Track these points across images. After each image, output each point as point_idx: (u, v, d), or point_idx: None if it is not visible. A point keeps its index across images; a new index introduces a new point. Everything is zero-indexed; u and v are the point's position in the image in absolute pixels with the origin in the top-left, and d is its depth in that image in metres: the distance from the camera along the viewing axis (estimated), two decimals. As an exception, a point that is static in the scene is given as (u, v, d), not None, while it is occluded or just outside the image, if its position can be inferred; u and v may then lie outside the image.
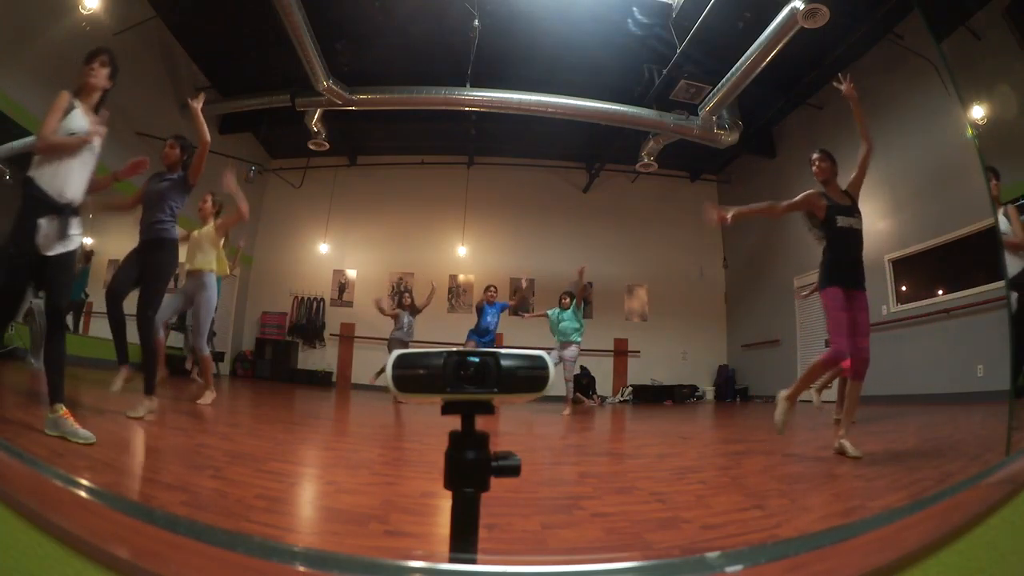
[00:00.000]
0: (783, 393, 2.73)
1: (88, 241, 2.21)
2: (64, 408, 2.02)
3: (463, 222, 8.49)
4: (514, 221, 8.69)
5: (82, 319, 5.44)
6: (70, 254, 2.14)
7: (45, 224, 2.06)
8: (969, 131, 3.69)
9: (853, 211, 2.80)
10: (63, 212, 2.10)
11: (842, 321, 2.63)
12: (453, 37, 5.74)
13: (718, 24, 5.29)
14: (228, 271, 3.92)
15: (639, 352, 8.63)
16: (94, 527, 0.68)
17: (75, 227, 2.14)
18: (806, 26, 4.67)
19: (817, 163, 2.90)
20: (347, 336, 8.33)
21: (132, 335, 2.80)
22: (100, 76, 2.27)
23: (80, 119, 2.18)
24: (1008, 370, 2.22)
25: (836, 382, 3.23)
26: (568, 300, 5.47)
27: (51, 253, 2.08)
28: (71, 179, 2.14)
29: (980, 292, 4.32)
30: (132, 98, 5.77)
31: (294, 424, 3.62)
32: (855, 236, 2.75)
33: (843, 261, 2.74)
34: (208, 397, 3.58)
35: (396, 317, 5.82)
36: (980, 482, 0.93)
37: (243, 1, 5.43)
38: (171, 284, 3.24)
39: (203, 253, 3.60)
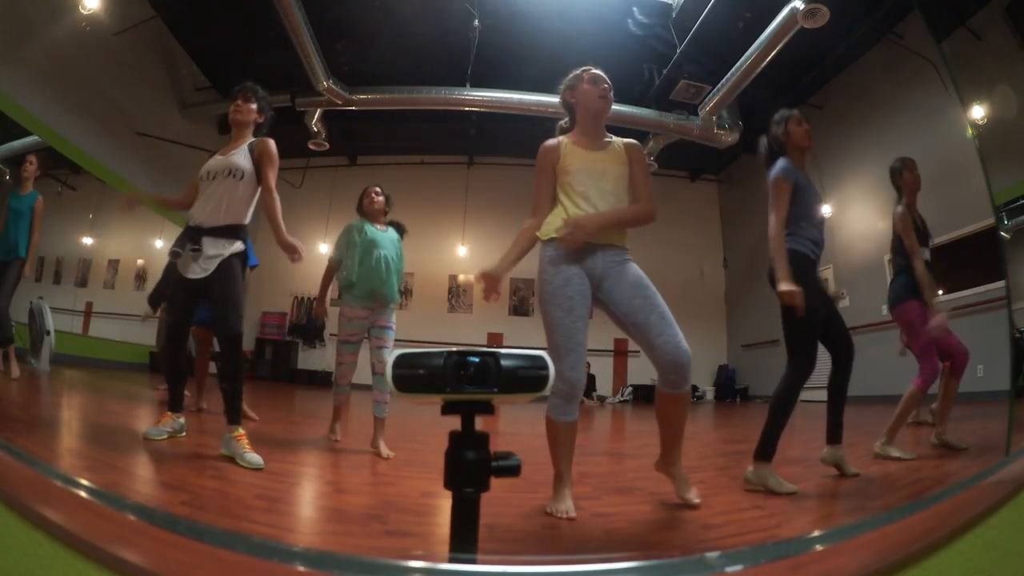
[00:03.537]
0: (879, 443, 2.54)
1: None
2: (241, 430, 2.10)
3: (463, 222, 8.48)
4: (514, 221, 8.55)
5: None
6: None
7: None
8: (969, 131, 3.68)
9: (926, 240, 2.64)
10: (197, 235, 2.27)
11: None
12: (453, 37, 5.73)
13: (718, 24, 5.29)
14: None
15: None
16: (94, 527, 0.68)
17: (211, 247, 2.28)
18: (806, 26, 4.66)
19: (913, 171, 2.64)
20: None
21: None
22: (245, 111, 2.40)
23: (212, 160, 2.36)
24: (1008, 370, 2.21)
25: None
26: None
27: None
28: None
29: (980, 292, 4.31)
30: (132, 98, 5.78)
31: (294, 424, 3.61)
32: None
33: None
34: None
35: None
36: (980, 482, 0.93)
37: (243, 1, 5.42)
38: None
39: None
